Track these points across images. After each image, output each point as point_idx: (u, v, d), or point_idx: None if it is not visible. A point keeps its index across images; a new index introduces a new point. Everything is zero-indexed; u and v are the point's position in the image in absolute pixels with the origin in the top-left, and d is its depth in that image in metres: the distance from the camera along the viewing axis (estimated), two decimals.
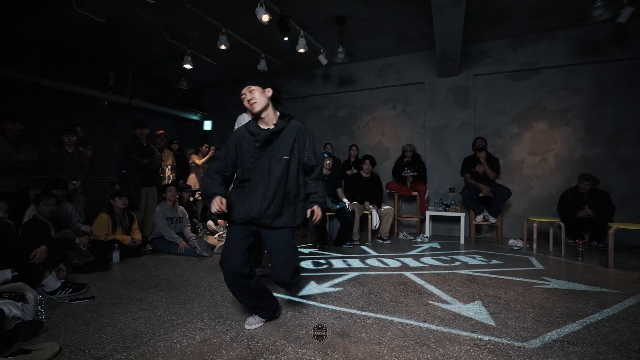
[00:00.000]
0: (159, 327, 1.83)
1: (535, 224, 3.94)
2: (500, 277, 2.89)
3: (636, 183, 4.50)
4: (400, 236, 5.07)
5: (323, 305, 2.19)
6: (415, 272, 3.03)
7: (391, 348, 1.61)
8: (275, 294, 2.05)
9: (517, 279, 2.83)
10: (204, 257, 3.64)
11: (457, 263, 3.41)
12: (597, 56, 4.66)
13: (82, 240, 3.02)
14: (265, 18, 3.80)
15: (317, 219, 1.83)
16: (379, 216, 4.65)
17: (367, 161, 4.84)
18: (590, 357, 1.53)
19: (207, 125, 7.97)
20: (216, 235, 4.65)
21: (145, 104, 6.57)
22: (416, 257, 3.67)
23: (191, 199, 5.05)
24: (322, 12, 4.39)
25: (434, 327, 1.85)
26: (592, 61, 4.71)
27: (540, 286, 2.62)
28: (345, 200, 4.39)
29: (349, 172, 5.44)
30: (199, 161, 5.48)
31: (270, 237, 1.84)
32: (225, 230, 4.76)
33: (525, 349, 1.60)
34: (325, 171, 4.42)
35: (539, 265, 3.32)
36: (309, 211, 1.82)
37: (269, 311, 1.89)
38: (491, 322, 1.91)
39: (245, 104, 1.81)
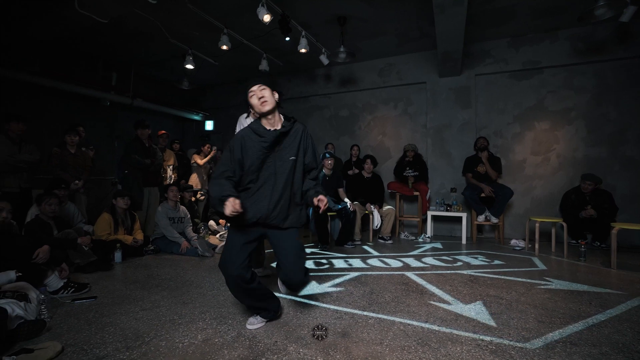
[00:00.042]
0: (160, 327, 1.84)
1: (537, 224, 3.93)
2: (502, 277, 2.88)
3: (639, 183, 4.48)
4: (402, 236, 5.06)
5: (324, 305, 2.19)
6: (416, 273, 3.03)
7: (393, 348, 1.61)
8: (276, 294, 2.05)
9: (519, 279, 2.83)
10: (205, 257, 3.64)
11: (459, 263, 3.41)
12: (600, 55, 4.64)
13: (84, 240, 3.03)
14: (266, 18, 3.81)
15: (325, 205, 1.80)
16: (381, 216, 4.65)
17: (368, 161, 4.84)
18: (593, 357, 1.52)
19: (209, 125, 7.98)
20: (218, 235, 4.66)
21: (147, 104, 6.59)
22: (418, 257, 3.67)
23: (193, 199, 5.07)
24: (323, 12, 4.39)
25: (435, 327, 1.84)
26: (595, 61, 4.69)
27: (542, 287, 2.61)
28: (346, 200, 4.39)
29: (350, 172, 5.44)
30: (200, 161, 5.49)
31: (278, 237, 1.84)
32: (227, 230, 4.78)
33: (527, 349, 1.60)
34: (326, 171, 4.42)
35: (541, 266, 3.31)
36: (316, 199, 1.78)
37: (271, 311, 1.89)
38: (493, 323, 1.91)
39: (255, 101, 1.77)
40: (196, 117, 7.95)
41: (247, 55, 5.62)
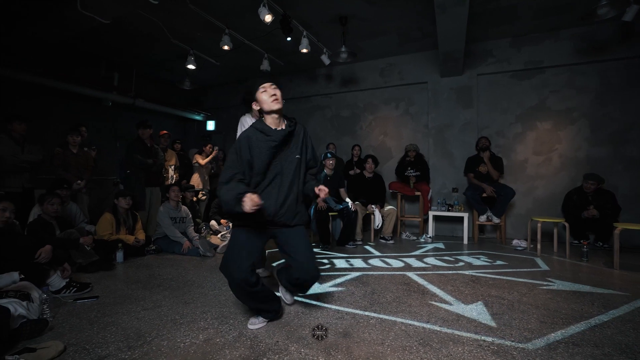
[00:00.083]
0: (162, 327, 1.84)
1: (539, 224, 3.91)
2: (504, 277, 2.88)
3: None
4: (403, 236, 5.05)
5: (326, 305, 2.19)
6: (418, 273, 3.03)
7: (394, 348, 1.60)
8: (277, 294, 2.05)
9: (521, 279, 2.82)
10: (207, 257, 3.65)
11: (461, 263, 3.40)
12: (602, 55, 4.62)
13: (86, 239, 3.04)
14: (268, 18, 3.81)
15: (326, 194, 1.81)
16: (382, 216, 4.64)
17: (369, 160, 4.83)
18: (595, 358, 1.52)
19: (210, 125, 7.99)
20: (219, 235, 4.67)
21: (148, 105, 6.61)
22: (419, 258, 3.66)
23: (194, 199, 5.08)
24: (324, 12, 4.39)
25: (437, 327, 1.84)
26: (597, 60, 4.67)
27: (544, 287, 2.60)
28: (348, 200, 4.39)
29: (351, 172, 5.44)
30: (202, 161, 5.50)
31: (288, 235, 1.85)
32: (228, 230, 4.79)
33: (529, 349, 1.59)
34: (328, 171, 4.42)
35: (544, 266, 3.30)
36: (317, 189, 1.80)
37: (272, 312, 1.90)
38: (495, 323, 1.90)
39: (266, 97, 1.76)
40: (198, 117, 7.97)
41: (249, 56, 5.63)
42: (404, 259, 3.57)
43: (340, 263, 3.39)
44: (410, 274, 2.97)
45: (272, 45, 5.36)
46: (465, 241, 4.67)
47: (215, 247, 3.97)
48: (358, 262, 3.42)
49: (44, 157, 3.72)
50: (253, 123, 1.84)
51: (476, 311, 2.08)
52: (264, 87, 1.79)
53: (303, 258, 1.81)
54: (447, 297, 2.34)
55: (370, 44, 5.39)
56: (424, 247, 4.33)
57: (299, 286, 1.95)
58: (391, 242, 4.55)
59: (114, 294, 2.39)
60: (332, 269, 3.14)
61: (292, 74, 6.73)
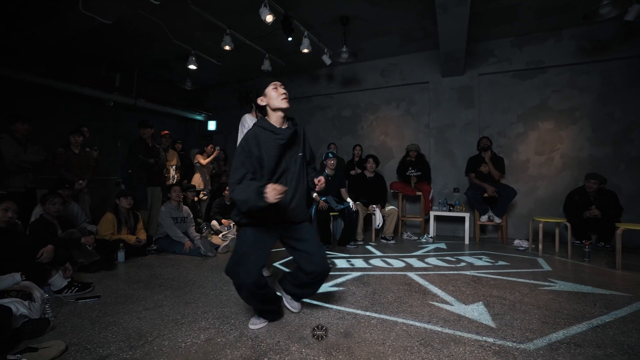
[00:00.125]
0: (163, 326, 1.84)
1: (540, 225, 3.90)
2: (506, 278, 2.87)
3: None
4: (404, 236, 5.05)
5: (327, 305, 2.19)
6: (419, 273, 3.02)
7: (395, 349, 1.60)
8: (277, 294, 2.05)
9: (523, 280, 2.81)
10: (208, 257, 3.65)
11: (463, 264, 3.39)
12: (604, 55, 4.61)
13: (88, 239, 3.05)
14: (269, 18, 3.81)
15: (322, 184, 1.82)
16: (383, 216, 4.63)
17: (370, 160, 4.83)
18: (597, 359, 1.51)
19: (212, 125, 8.01)
20: (220, 235, 4.67)
21: (150, 105, 6.62)
22: (421, 258, 3.66)
23: (195, 199, 5.08)
24: (326, 12, 4.39)
25: (438, 328, 1.84)
26: (599, 60, 4.66)
27: (546, 287, 2.60)
28: (349, 200, 4.38)
29: (352, 172, 5.43)
30: (203, 161, 5.50)
31: (297, 231, 1.84)
32: (230, 230, 4.79)
33: (531, 350, 1.59)
34: (329, 171, 4.42)
35: (546, 267, 3.29)
36: (316, 180, 1.81)
37: (275, 312, 1.91)
38: (496, 323, 1.90)
39: (275, 94, 1.76)
40: (199, 117, 7.98)
41: (250, 56, 5.63)
42: (405, 259, 3.57)
43: (341, 263, 3.39)
44: (412, 274, 2.96)
45: (273, 46, 5.36)
46: (467, 241, 4.66)
47: (217, 247, 3.97)
48: (359, 262, 3.42)
49: (46, 157, 3.73)
50: (257, 122, 1.81)
51: (477, 311, 2.08)
52: (275, 84, 1.78)
53: (314, 249, 1.82)
54: (449, 298, 2.34)
55: (371, 44, 5.39)
56: (426, 247, 4.32)
57: (311, 284, 1.89)
58: (392, 242, 4.55)
59: (116, 294, 2.40)
60: (333, 269, 3.14)
61: (293, 74, 6.73)
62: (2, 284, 1.89)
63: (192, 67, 5.26)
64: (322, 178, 1.82)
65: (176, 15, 4.38)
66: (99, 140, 5.52)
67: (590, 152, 4.77)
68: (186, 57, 5.29)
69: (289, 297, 2.02)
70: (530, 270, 3.16)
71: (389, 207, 4.76)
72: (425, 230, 5.08)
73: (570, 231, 3.87)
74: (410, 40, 5.26)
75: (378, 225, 4.59)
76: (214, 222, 5.05)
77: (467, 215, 4.69)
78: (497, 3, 4.14)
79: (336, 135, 6.54)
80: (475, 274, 2.97)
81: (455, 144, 5.45)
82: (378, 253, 3.91)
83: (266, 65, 5.37)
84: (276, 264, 3.32)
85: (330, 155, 4.42)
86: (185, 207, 4.17)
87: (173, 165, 5.13)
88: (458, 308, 2.14)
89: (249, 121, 2.92)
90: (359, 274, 2.98)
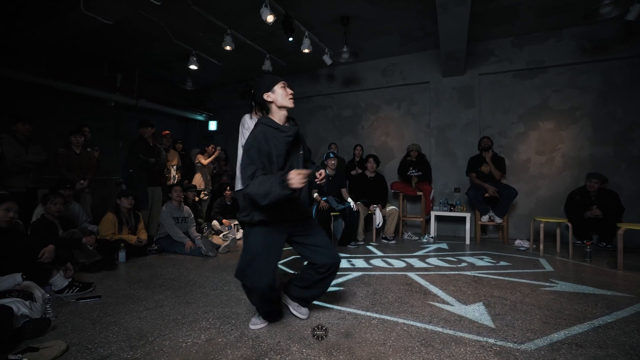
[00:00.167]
0: (164, 326, 1.85)
1: (542, 225, 3.90)
2: (507, 278, 2.86)
3: None
4: (405, 236, 5.04)
5: (327, 305, 2.18)
6: (420, 273, 3.02)
7: (396, 349, 1.60)
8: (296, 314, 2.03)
9: (524, 280, 2.80)
10: (209, 257, 3.65)
11: (464, 264, 3.39)
12: (605, 54, 4.60)
13: (89, 239, 3.05)
14: (270, 19, 3.81)
15: (323, 178, 1.80)
16: (384, 216, 4.63)
17: (371, 159, 4.83)
18: (599, 359, 1.51)
19: (212, 125, 8.02)
20: (221, 235, 4.67)
21: (151, 105, 6.64)
22: (422, 258, 3.65)
23: (196, 199, 5.09)
24: (326, 12, 4.39)
25: (439, 328, 1.83)
26: (600, 59, 4.65)
27: (547, 288, 2.59)
28: (350, 200, 4.38)
29: (353, 172, 5.43)
30: (204, 161, 5.51)
31: (306, 227, 1.85)
32: (230, 230, 4.79)
33: (532, 350, 1.58)
34: (329, 171, 4.42)
35: (548, 267, 3.28)
36: (317, 173, 1.79)
37: (278, 314, 1.91)
38: (497, 324, 1.89)
39: (286, 95, 1.77)
40: (200, 118, 7.99)
41: (251, 56, 5.64)
42: (406, 259, 3.56)
43: (341, 263, 3.37)
44: (412, 275, 2.96)
45: (274, 46, 5.36)
46: (468, 241, 4.65)
47: (217, 247, 3.97)
48: (360, 262, 3.42)
49: (48, 157, 3.74)
50: (262, 120, 1.79)
51: (478, 312, 2.07)
52: (284, 83, 1.80)
53: (325, 242, 1.83)
54: (449, 298, 2.33)
55: (371, 44, 5.39)
56: (427, 247, 4.32)
57: (322, 280, 1.84)
58: (393, 242, 4.55)
59: (116, 294, 2.40)
60: None
61: (294, 74, 6.74)
62: (3, 284, 1.90)
63: (193, 67, 5.27)
64: (322, 171, 1.80)
65: (177, 15, 4.38)
66: (100, 140, 5.52)
67: (591, 151, 4.76)
68: (187, 57, 5.30)
69: (296, 304, 1.96)
70: (531, 270, 3.15)
71: (389, 207, 4.76)
72: (426, 231, 5.08)
73: (572, 231, 3.86)
74: (411, 40, 5.26)
75: (378, 225, 4.58)
76: (215, 222, 5.06)
77: (468, 216, 4.69)
78: (498, 3, 4.13)
79: (337, 135, 6.54)
80: (476, 274, 2.97)
81: (456, 143, 5.44)
82: (379, 253, 3.91)
83: (267, 66, 5.37)
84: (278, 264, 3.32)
85: (331, 155, 4.42)
86: (186, 207, 4.17)
87: (174, 165, 5.14)
88: (459, 308, 2.14)
89: (248, 122, 2.92)
90: (359, 274, 2.97)
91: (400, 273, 3.01)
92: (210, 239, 4.28)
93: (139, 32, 4.91)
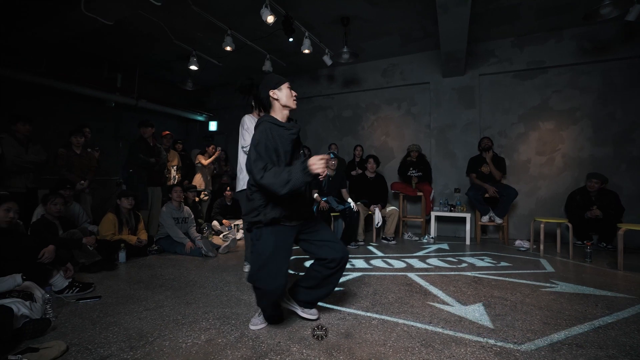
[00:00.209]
0: (164, 327, 1.84)
1: (542, 225, 3.90)
2: (507, 279, 2.86)
3: None
4: (405, 237, 5.04)
5: (327, 305, 2.18)
6: (420, 274, 3.02)
7: (396, 349, 1.60)
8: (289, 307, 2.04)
9: (524, 281, 2.80)
10: (209, 257, 3.65)
11: (464, 265, 3.39)
12: (605, 55, 4.60)
13: (89, 240, 3.05)
14: (270, 19, 3.82)
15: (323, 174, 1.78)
16: (384, 217, 4.63)
17: (371, 160, 4.83)
18: None
19: (213, 125, 8.02)
20: (221, 236, 4.67)
21: (151, 105, 6.64)
22: (422, 259, 3.65)
23: (196, 199, 5.08)
24: (326, 12, 4.39)
25: (439, 329, 1.83)
26: (600, 60, 4.65)
27: (547, 288, 2.59)
28: (350, 200, 4.38)
29: (353, 173, 5.43)
30: (205, 162, 5.51)
31: (312, 225, 1.84)
32: (230, 231, 4.79)
33: (532, 351, 1.58)
34: (330, 172, 4.42)
35: (548, 267, 3.28)
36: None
37: (280, 316, 1.91)
38: (497, 324, 1.89)
39: (288, 93, 1.77)
40: (200, 118, 7.99)
41: (251, 56, 5.64)
42: (406, 260, 3.56)
43: None
44: (412, 275, 2.96)
45: (274, 46, 5.37)
46: (468, 242, 4.65)
47: (218, 247, 3.97)
48: (360, 263, 3.42)
49: (48, 157, 3.74)
50: (266, 118, 1.77)
51: (478, 312, 2.07)
52: (289, 84, 1.81)
53: (332, 237, 1.84)
54: (450, 299, 2.33)
55: (372, 44, 5.39)
56: (427, 247, 4.32)
57: (331, 276, 1.81)
58: (393, 242, 4.54)
59: (117, 294, 2.40)
60: None
61: (294, 74, 6.74)
62: (3, 285, 1.89)
63: (193, 67, 5.27)
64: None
65: (177, 16, 4.39)
66: (100, 140, 5.53)
67: (591, 152, 4.76)
68: (187, 57, 5.30)
69: (304, 307, 1.93)
70: (532, 271, 3.15)
71: (389, 208, 4.76)
72: (426, 231, 5.07)
73: (572, 231, 3.86)
74: (411, 41, 5.26)
75: (378, 224, 4.58)
76: (215, 223, 5.05)
77: (468, 216, 4.69)
78: (498, 3, 4.14)
79: (337, 135, 6.54)
80: (477, 275, 2.97)
81: (456, 144, 5.44)
82: (379, 253, 3.91)
83: (267, 66, 5.37)
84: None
85: (331, 155, 4.41)
86: (186, 208, 4.17)
87: (174, 165, 5.14)
88: (459, 309, 2.13)
89: (248, 122, 2.92)
90: (359, 274, 2.97)
91: (400, 273, 3.01)
92: (210, 239, 4.28)
93: (139, 32, 4.91)
